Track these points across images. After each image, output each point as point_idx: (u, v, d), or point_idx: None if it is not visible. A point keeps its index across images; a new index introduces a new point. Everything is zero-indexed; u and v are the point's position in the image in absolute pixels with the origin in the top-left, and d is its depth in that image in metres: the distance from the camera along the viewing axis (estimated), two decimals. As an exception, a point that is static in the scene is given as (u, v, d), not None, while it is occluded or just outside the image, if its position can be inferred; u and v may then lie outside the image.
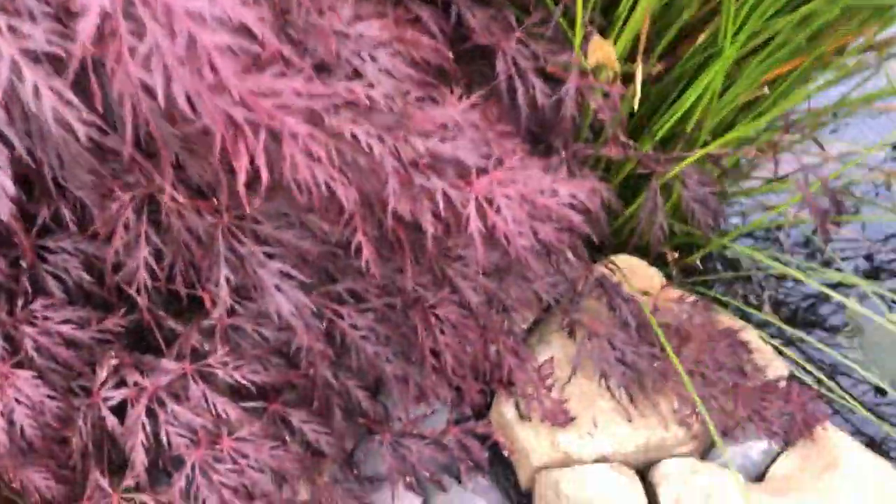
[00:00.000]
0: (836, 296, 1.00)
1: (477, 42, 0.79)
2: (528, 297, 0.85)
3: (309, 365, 0.75)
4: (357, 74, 0.61)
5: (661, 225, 0.86)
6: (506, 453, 0.85)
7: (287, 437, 0.77)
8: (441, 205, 0.62)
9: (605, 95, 0.79)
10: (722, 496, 0.84)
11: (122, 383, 0.75)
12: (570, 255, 0.92)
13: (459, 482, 0.89)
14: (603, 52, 0.72)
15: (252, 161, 0.49)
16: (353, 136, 0.57)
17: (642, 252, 1.08)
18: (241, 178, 0.49)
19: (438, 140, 0.64)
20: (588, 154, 0.86)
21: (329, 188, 0.56)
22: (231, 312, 0.75)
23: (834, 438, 0.89)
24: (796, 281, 1.19)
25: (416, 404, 0.84)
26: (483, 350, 0.82)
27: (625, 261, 1.01)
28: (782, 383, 0.89)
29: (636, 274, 0.99)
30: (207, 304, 0.73)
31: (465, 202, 0.63)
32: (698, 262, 1.09)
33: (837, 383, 1.08)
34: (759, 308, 1.16)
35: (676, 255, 1.09)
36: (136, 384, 0.73)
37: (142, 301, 0.72)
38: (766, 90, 0.83)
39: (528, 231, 0.62)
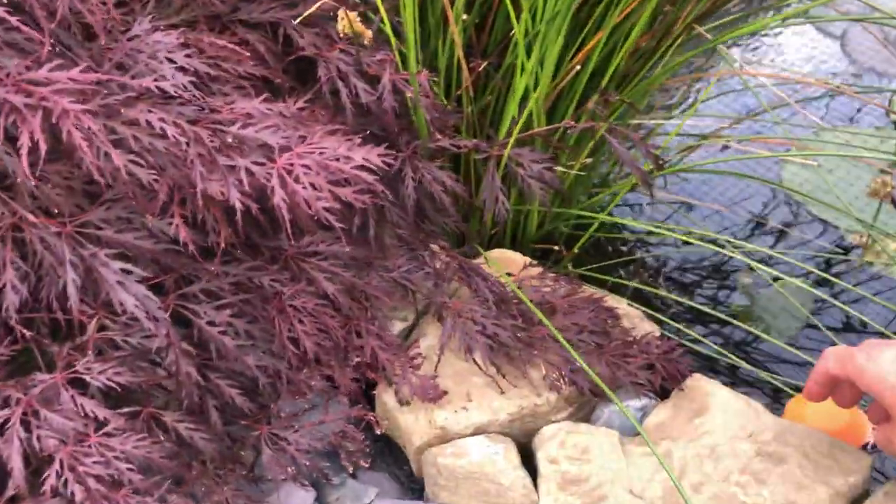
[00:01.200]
0: (732, 254, 1.04)
1: (302, 55, 0.87)
2: (386, 286, 0.90)
3: (172, 365, 0.80)
4: (154, 73, 0.68)
5: (503, 203, 0.92)
6: (378, 431, 0.88)
7: (161, 437, 0.81)
8: (245, 181, 0.68)
9: (406, 82, 0.86)
10: (597, 450, 0.87)
11: (5, 405, 0.80)
12: (435, 247, 0.98)
13: (354, 476, 0.92)
14: (347, 20, 0.80)
15: (34, 139, 0.56)
16: (148, 123, 0.64)
17: (524, 248, 1.14)
18: (24, 153, 0.56)
19: (242, 126, 0.71)
20: (431, 148, 0.93)
21: (131, 174, 0.63)
22: (102, 329, 0.81)
23: (705, 387, 0.93)
24: (682, 252, 1.24)
25: (293, 398, 0.88)
26: (346, 337, 0.86)
27: (498, 253, 1.06)
28: (646, 339, 0.93)
29: (509, 263, 1.04)
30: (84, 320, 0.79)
31: (268, 176, 0.69)
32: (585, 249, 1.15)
33: (729, 350, 1.12)
34: (654, 286, 1.21)
35: (556, 247, 1.14)
36: (16, 400, 0.78)
37: (15, 324, 0.77)
38: (577, 67, 0.90)
39: (328, 195, 0.68)
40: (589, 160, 1.08)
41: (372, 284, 0.90)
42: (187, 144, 0.66)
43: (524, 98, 0.95)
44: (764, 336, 1.08)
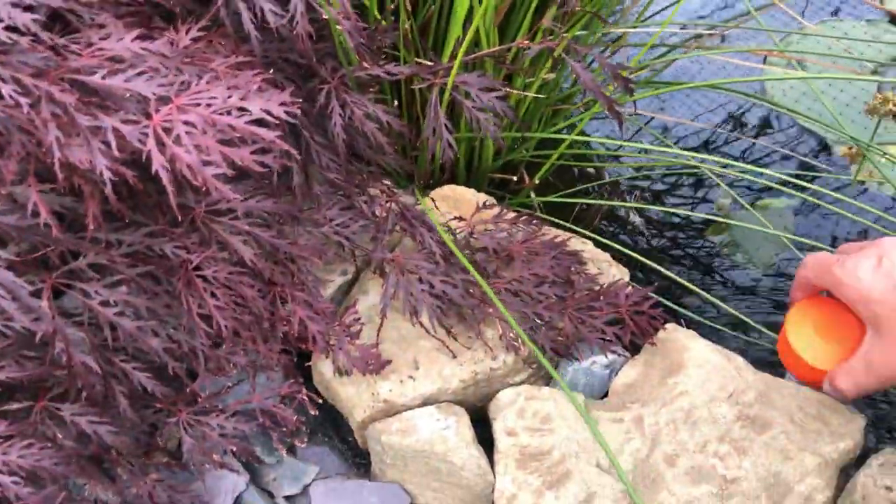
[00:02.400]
0: (708, 170, 0.93)
1: (195, -28, 0.71)
2: (317, 243, 0.78)
3: (62, 354, 0.68)
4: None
5: (448, 139, 0.79)
6: (312, 412, 0.78)
7: (58, 435, 0.70)
8: (114, 145, 0.55)
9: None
10: (560, 419, 0.78)
11: None
12: (375, 191, 0.86)
13: (293, 453, 0.82)
14: None
15: None
16: (-25, 81, 0.50)
17: (481, 179, 1.02)
18: None
19: (108, 73, 0.57)
20: (361, 76, 0.79)
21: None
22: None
23: (680, 339, 0.83)
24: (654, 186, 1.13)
25: (215, 376, 0.77)
26: (268, 307, 0.75)
27: (450, 191, 0.94)
28: (614, 289, 0.83)
29: (460, 202, 0.92)
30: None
31: (143, 137, 0.56)
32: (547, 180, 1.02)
33: (700, 286, 1.02)
34: (627, 225, 1.10)
35: (514, 178, 1.02)
36: None
37: None
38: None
39: (219, 158, 0.55)
40: (550, 76, 0.95)
41: (298, 244, 0.77)
42: (31, 106, 0.52)
43: (469, 13, 0.80)
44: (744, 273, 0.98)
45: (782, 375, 0.81)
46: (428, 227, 0.82)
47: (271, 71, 0.77)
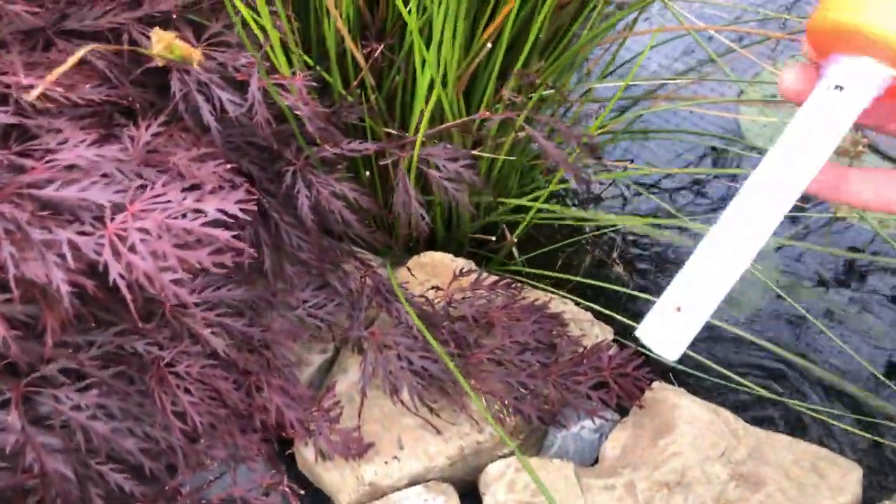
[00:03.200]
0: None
1: (154, 66, 0.71)
2: (291, 327, 0.77)
3: (35, 463, 0.66)
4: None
5: (421, 214, 0.78)
6: (294, 503, 0.76)
7: (35, 547, 0.68)
8: (69, 256, 0.54)
9: (282, 87, 0.72)
10: (551, 490, 0.76)
11: None
12: (350, 267, 0.85)
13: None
14: (165, 42, 0.65)
15: None
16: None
17: (463, 242, 1.01)
18: None
19: (62, 185, 0.56)
20: (326, 156, 0.78)
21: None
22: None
23: (669, 398, 0.81)
24: (639, 241, 1.12)
25: (194, 472, 0.75)
26: (244, 399, 0.73)
27: (427, 258, 0.93)
28: (597, 351, 0.81)
29: (438, 269, 0.91)
30: None
31: (98, 248, 0.55)
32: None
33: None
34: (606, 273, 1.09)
35: (493, 238, 1.01)
36: None
37: None
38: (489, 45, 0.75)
39: (176, 263, 0.54)
40: (521, 134, 0.95)
41: (272, 329, 0.76)
42: (-19, 225, 0.51)
43: (432, 86, 0.80)
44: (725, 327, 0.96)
45: (773, 427, 0.79)
46: (406, 299, 0.81)
47: (236, 156, 0.77)
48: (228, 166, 0.69)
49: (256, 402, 0.74)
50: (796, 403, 0.86)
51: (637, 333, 0.34)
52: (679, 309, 0.33)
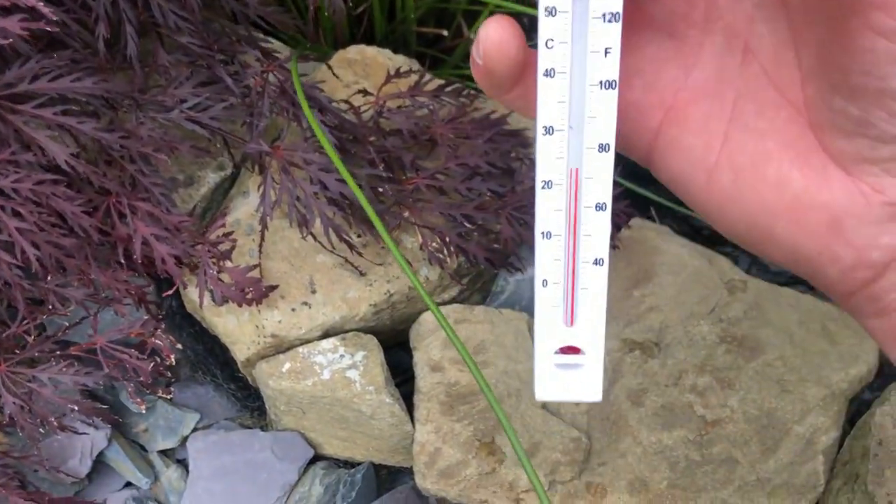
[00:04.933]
0: None
1: None
2: (164, 135, 0.58)
3: None
4: None
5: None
6: (169, 361, 0.60)
7: None
8: None
9: None
10: (497, 347, 0.61)
11: None
12: (249, 59, 0.65)
13: (168, 397, 0.66)
14: None
15: None
16: None
17: (409, 38, 0.81)
18: None
19: None
20: None
21: None
22: None
23: (651, 239, 0.65)
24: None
25: (42, 316, 0.59)
26: (99, 227, 0.56)
27: (356, 53, 0.73)
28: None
29: (371, 68, 0.72)
30: None
31: None
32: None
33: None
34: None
35: (445, 33, 0.81)
36: None
37: None
38: None
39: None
40: None
41: (138, 135, 0.57)
42: None
43: None
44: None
45: (780, 281, 0.64)
46: (320, 104, 0.62)
47: None
48: None
49: (118, 231, 0.57)
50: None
51: (537, 398, 0.30)
52: (581, 351, 0.30)
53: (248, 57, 0.64)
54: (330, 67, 0.69)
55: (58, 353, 0.59)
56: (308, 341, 0.62)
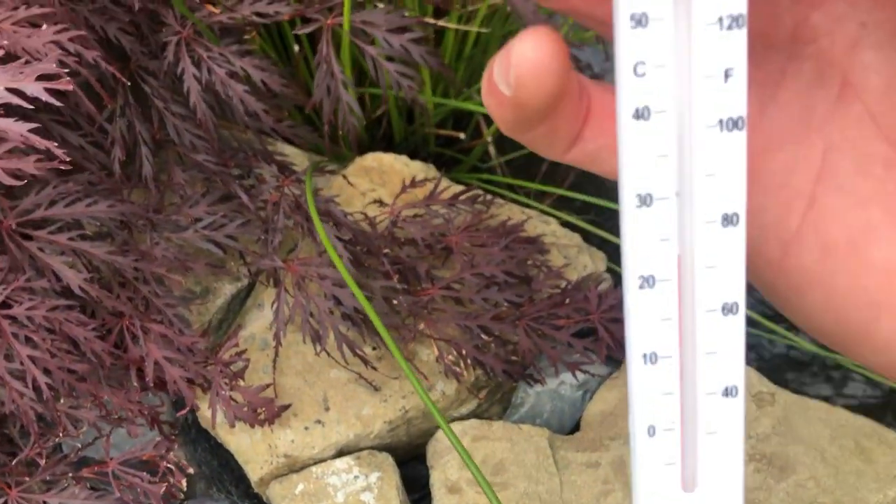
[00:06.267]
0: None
1: None
2: (178, 254, 0.58)
3: None
4: None
5: (347, 102, 0.58)
6: (180, 482, 0.59)
7: None
8: None
9: None
10: (517, 467, 0.59)
11: None
12: (264, 172, 0.65)
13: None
14: None
15: None
16: None
17: (429, 139, 0.81)
18: None
19: None
20: (222, 20, 0.57)
21: None
22: None
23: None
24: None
25: (55, 437, 0.58)
26: (111, 351, 0.55)
27: (373, 161, 0.73)
28: (583, 287, 0.63)
29: (388, 176, 0.72)
30: None
31: None
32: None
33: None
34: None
35: (462, 136, 0.81)
36: None
37: None
38: None
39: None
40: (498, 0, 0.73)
41: (153, 256, 0.57)
42: None
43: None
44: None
45: (807, 392, 0.62)
46: (334, 218, 0.62)
47: (99, 20, 0.56)
48: (74, 33, 0.49)
49: (131, 353, 0.56)
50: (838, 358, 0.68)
51: None
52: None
53: (265, 170, 0.64)
54: (346, 177, 0.69)
55: (70, 474, 0.58)
56: (322, 460, 0.61)
